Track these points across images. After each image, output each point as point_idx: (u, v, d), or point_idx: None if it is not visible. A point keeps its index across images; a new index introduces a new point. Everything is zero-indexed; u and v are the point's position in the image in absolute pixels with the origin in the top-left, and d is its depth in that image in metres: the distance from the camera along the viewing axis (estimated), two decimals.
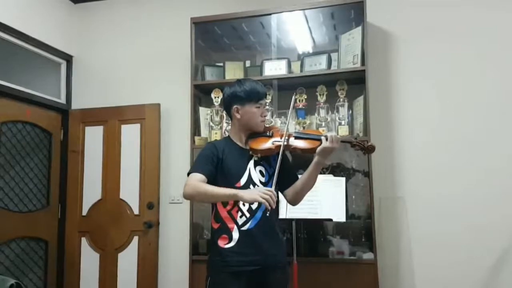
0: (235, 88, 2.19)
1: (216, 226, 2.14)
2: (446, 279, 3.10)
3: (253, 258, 2.05)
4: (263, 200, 1.89)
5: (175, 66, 3.85)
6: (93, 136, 3.97)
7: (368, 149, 2.15)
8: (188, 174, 2.12)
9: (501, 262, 3.05)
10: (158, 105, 3.85)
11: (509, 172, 3.10)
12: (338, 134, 3.22)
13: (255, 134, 2.21)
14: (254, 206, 2.08)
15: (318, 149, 2.06)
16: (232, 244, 2.07)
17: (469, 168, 3.16)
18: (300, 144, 2.16)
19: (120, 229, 3.80)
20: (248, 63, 3.70)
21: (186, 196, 2.07)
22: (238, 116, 2.18)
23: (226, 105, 2.25)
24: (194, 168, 2.13)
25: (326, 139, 2.05)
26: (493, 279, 3.05)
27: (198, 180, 2.03)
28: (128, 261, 3.74)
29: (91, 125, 4.00)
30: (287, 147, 2.14)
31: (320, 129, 3.26)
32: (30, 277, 3.65)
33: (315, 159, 2.09)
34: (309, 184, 2.14)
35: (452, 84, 3.28)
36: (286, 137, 2.14)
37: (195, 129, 3.51)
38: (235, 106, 2.18)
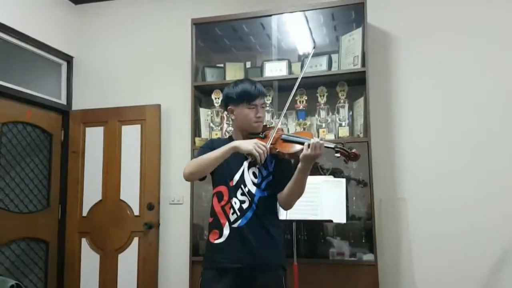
0: (229, 89, 2.20)
1: (210, 220, 2.16)
2: (447, 280, 3.10)
3: (240, 256, 2.04)
4: (256, 153, 1.95)
5: (176, 67, 3.86)
6: (94, 137, 3.97)
7: (351, 157, 1.97)
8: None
9: (502, 263, 3.05)
10: (159, 106, 3.85)
11: (509, 173, 3.10)
12: (338, 135, 3.22)
13: (252, 135, 2.19)
14: (245, 206, 2.08)
15: (301, 155, 1.97)
16: (221, 240, 2.08)
17: (469, 169, 3.16)
18: (285, 148, 2.07)
19: (120, 230, 3.80)
20: (248, 64, 3.70)
21: (186, 176, 2.10)
22: (232, 117, 2.21)
23: (223, 106, 2.30)
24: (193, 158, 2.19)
25: (309, 146, 1.95)
26: (493, 280, 3.05)
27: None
28: (128, 262, 3.74)
29: (92, 126, 4.00)
30: (273, 150, 2.06)
31: (321, 130, 3.26)
32: (30, 278, 3.65)
33: (299, 165, 2.00)
34: (295, 190, 2.06)
35: (452, 85, 3.28)
36: (272, 142, 2.06)
37: (196, 130, 3.52)
38: (229, 107, 2.20)
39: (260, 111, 2.17)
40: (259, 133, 2.19)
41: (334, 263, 3.11)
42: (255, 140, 2.02)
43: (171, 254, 3.72)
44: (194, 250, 3.36)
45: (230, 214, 2.08)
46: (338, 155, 1.98)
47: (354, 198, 3.28)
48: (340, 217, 2.81)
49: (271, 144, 2.05)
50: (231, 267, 2.04)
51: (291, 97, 2.20)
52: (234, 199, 2.09)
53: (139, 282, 3.69)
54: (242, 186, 2.10)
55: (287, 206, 2.16)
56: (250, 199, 2.09)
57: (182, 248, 3.55)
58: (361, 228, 3.24)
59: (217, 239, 2.09)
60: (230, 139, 2.26)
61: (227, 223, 2.08)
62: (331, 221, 2.88)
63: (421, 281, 3.17)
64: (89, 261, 3.83)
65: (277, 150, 2.08)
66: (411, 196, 3.26)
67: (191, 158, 3.39)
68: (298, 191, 2.07)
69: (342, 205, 2.84)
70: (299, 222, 2.98)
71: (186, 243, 3.41)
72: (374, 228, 3.02)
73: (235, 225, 2.07)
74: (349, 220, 3.15)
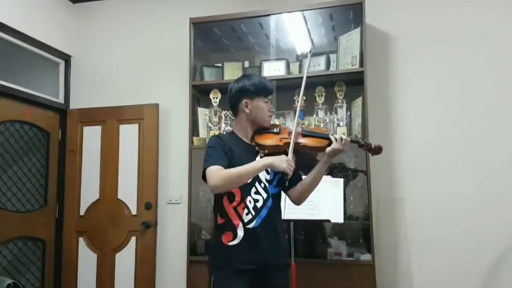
0: (244, 82, 2.17)
1: (221, 221, 2.10)
2: (444, 280, 3.10)
3: (256, 257, 2.03)
4: (290, 172, 1.97)
5: (174, 66, 3.85)
6: (91, 136, 3.96)
7: (376, 150, 2.18)
8: (204, 169, 2.06)
9: (500, 265, 3.05)
10: (157, 105, 3.85)
11: (508, 173, 3.10)
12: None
13: (261, 130, 2.19)
14: (259, 205, 2.07)
15: (328, 149, 2.07)
16: (236, 241, 2.04)
17: (468, 169, 3.17)
18: (308, 142, 2.14)
19: (117, 229, 3.79)
20: (246, 64, 3.70)
21: (216, 188, 2.00)
22: (247, 110, 2.15)
23: (235, 99, 2.19)
24: (211, 161, 2.04)
25: (337, 140, 2.07)
26: (491, 281, 3.05)
27: (220, 170, 2.00)
28: (125, 261, 3.74)
29: (89, 125, 3.99)
30: (296, 144, 2.11)
31: None
32: (27, 277, 3.64)
33: (324, 158, 2.11)
34: (316, 183, 2.15)
35: (451, 85, 3.28)
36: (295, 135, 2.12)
37: (194, 129, 3.51)
38: (244, 100, 2.15)
39: (272, 106, 2.21)
40: (272, 128, 2.20)
41: (331, 263, 3.11)
42: (284, 157, 2.01)
43: (169, 254, 3.71)
44: (192, 249, 3.36)
45: (244, 215, 2.05)
46: (364, 148, 2.19)
47: (351, 198, 3.28)
48: (337, 217, 2.81)
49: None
50: (247, 269, 2.02)
51: (301, 98, 2.29)
52: (249, 198, 2.06)
53: (137, 282, 3.69)
54: (257, 183, 2.08)
55: (301, 200, 2.21)
56: (264, 196, 2.08)
57: (179, 248, 3.54)
58: (359, 228, 3.25)
59: (231, 241, 2.05)
60: (233, 134, 2.23)
61: (240, 224, 2.05)
62: (328, 221, 2.88)
63: (418, 281, 3.17)
64: (87, 260, 3.83)
65: (301, 144, 2.13)
66: (409, 196, 3.26)
67: (189, 158, 3.40)
68: (316, 184, 2.16)
69: (340, 205, 2.84)
70: (297, 221, 2.98)
71: (184, 243, 3.40)
72: (371, 228, 3.02)
73: (250, 225, 2.04)
74: (347, 220, 3.15)
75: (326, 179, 2.95)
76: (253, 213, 2.06)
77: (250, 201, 2.06)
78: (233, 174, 1.98)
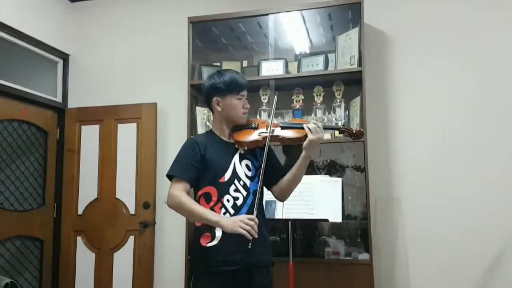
0: (215, 79, 2.13)
1: (198, 223, 2.07)
2: (442, 280, 3.11)
3: (237, 257, 1.98)
4: (244, 232, 1.85)
5: (172, 65, 3.85)
6: (89, 135, 3.96)
7: (357, 135, 2.13)
8: (169, 176, 2.08)
9: (496, 263, 3.06)
10: (155, 104, 3.84)
11: (505, 174, 3.10)
12: (334, 134, 3.21)
13: (239, 126, 2.15)
14: (239, 203, 2.03)
15: (305, 143, 2.01)
16: (214, 242, 2.00)
17: (465, 170, 3.17)
18: (288, 134, 2.10)
19: (115, 229, 3.79)
20: (245, 63, 3.70)
21: (170, 207, 2.05)
22: (219, 108, 2.13)
23: (206, 97, 2.18)
24: (176, 170, 2.07)
25: (311, 130, 2.01)
26: (487, 280, 3.06)
27: (181, 190, 2.02)
28: (123, 260, 3.73)
29: (88, 124, 3.98)
30: (274, 138, 2.08)
31: None
32: (25, 276, 3.64)
33: (303, 153, 2.04)
34: (298, 179, 2.10)
35: (449, 85, 3.28)
36: (272, 128, 2.07)
37: (192, 129, 3.51)
38: (215, 99, 2.12)
39: (246, 102, 2.16)
40: (249, 124, 2.16)
41: (329, 262, 3.11)
42: (240, 217, 1.92)
43: (167, 253, 3.71)
44: (190, 249, 3.35)
45: (221, 214, 2.01)
46: (345, 134, 2.14)
47: (350, 197, 3.28)
48: (335, 216, 2.81)
49: (271, 131, 2.06)
50: (228, 270, 1.98)
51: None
52: (227, 197, 2.03)
53: (135, 281, 3.69)
54: (236, 180, 2.05)
55: (286, 196, 2.18)
56: (244, 193, 2.05)
57: (177, 247, 3.55)
58: (357, 228, 3.25)
59: (209, 242, 2.01)
60: (211, 133, 2.20)
61: None
62: (327, 220, 2.88)
63: (416, 280, 3.18)
64: (84, 259, 3.82)
65: (279, 137, 2.09)
66: (407, 196, 3.26)
67: None
68: (299, 179, 2.11)
69: (338, 204, 2.84)
70: (295, 221, 2.98)
71: (182, 242, 3.40)
72: (369, 227, 3.02)
73: None
74: (345, 219, 3.16)
75: (325, 179, 2.97)
76: (232, 212, 2.02)
77: (228, 200, 2.03)
78: (185, 208, 1.99)
